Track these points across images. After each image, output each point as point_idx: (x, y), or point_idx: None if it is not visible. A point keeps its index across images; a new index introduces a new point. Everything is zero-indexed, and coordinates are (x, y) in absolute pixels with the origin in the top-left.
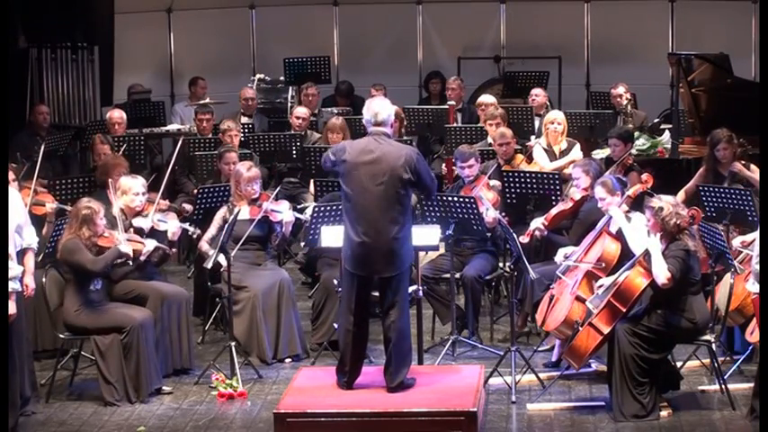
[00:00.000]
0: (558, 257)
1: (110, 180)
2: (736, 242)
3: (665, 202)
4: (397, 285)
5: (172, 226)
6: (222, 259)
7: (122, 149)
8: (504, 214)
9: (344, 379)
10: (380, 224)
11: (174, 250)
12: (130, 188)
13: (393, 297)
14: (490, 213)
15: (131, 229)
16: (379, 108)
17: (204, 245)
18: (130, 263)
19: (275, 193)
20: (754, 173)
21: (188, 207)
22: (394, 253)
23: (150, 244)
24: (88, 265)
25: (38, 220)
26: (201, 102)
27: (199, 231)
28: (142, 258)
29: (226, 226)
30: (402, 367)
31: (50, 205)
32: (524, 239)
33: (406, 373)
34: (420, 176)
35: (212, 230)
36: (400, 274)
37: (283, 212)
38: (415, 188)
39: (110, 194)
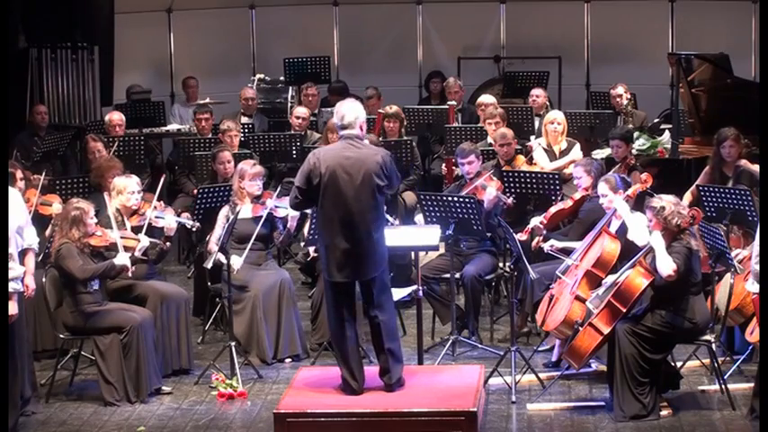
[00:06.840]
0: (533, 222)
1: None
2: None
3: (665, 201)
4: (380, 284)
5: (169, 221)
6: (223, 258)
7: (114, 148)
8: (508, 195)
9: (355, 386)
10: (362, 227)
11: (168, 244)
12: (125, 187)
13: (379, 297)
14: (490, 192)
15: (125, 229)
16: (346, 111)
17: (213, 246)
18: (129, 274)
19: (278, 190)
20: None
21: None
22: (375, 253)
23: (144, 240)
24: (76, 273)
25: (43, 221)
26: (201, 102)
27: (198, 225)
28: (137, 254)
29: (226, 225)
30: (398, 364)
31: (57, 206)
32: (522, 237)
33: (401, 369)
34: (391, 179)
35: (218, 230)
36: (382, 273)
37: (288, 208)
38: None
39: (106, 197)
